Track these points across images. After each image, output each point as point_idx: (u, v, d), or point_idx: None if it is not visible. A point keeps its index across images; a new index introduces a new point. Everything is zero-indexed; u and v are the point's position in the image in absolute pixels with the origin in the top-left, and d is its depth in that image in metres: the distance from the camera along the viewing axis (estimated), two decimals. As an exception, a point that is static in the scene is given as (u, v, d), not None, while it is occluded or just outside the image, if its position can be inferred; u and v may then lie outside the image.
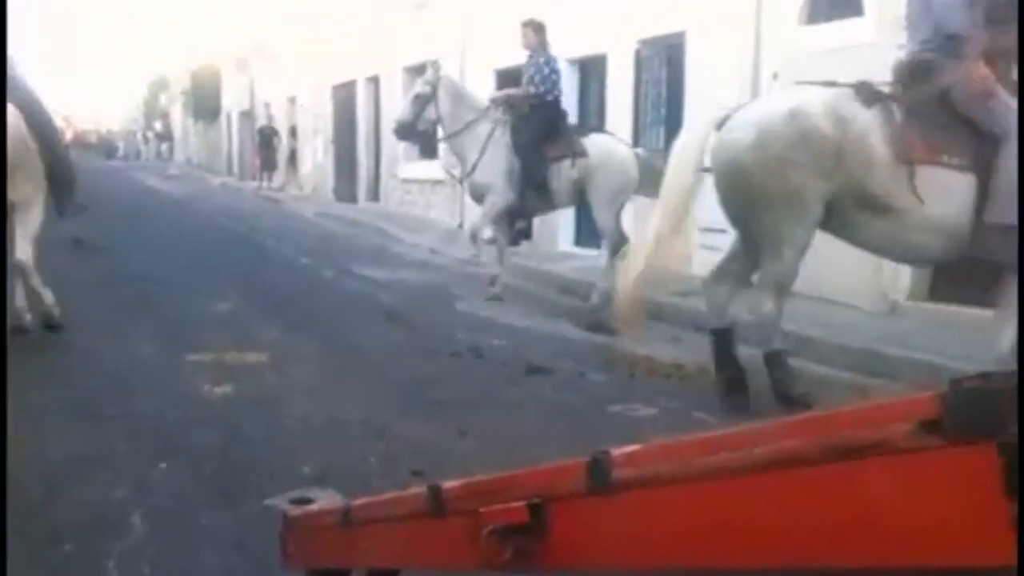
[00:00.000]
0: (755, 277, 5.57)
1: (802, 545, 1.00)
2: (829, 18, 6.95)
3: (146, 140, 56.89)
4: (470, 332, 7.55)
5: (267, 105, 29.91)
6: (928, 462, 0.88)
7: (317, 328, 7.68)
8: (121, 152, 56.04)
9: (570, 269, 10.83)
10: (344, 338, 7.34)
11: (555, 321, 8.28)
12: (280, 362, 6.44)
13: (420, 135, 10.38)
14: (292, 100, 27.99)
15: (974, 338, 6.91)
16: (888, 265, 7.98)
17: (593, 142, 9.29)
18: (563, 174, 9.14)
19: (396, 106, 19.33)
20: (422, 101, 9.48)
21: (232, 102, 36.38)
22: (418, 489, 1.93)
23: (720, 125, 5.33)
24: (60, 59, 58.25)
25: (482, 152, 9.30)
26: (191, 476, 4.29)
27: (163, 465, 4.40)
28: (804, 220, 5.10)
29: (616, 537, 1.31)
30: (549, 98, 9.46)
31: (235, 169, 35.67)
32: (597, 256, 11.86)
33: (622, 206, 9.24)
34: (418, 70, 18.36)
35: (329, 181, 24.07)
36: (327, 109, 24.17)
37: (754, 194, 5.11)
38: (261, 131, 28.81)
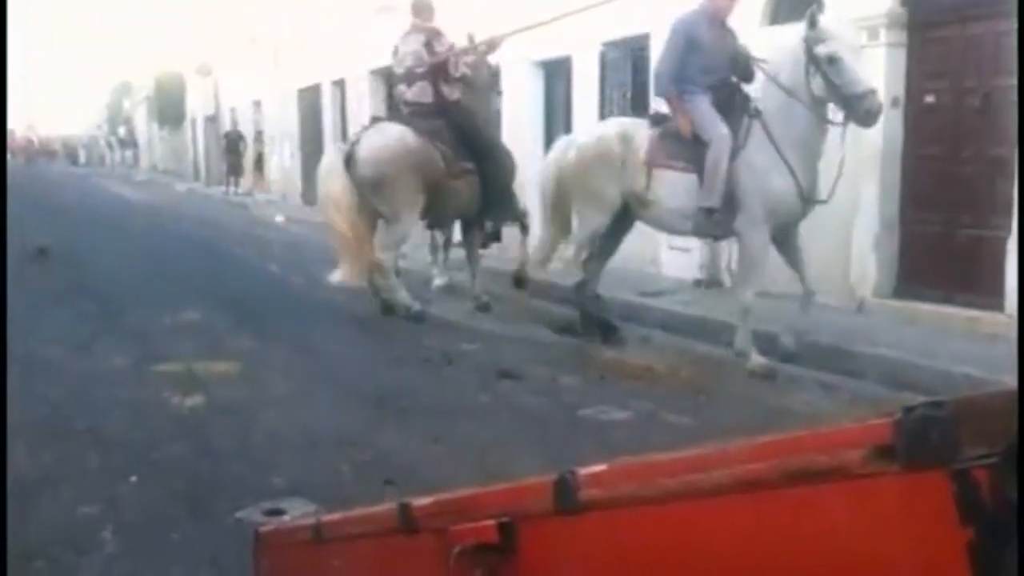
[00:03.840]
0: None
1: (761, 568, 1.02)
2: (791, 19, 7.01)
3: (111, 147, 56.36)
4: (440, 338, 7.55)
5: (232, 110, 29.75)
6: (882, 487, 0.89)
7: (287, 336, 7.65)
8: (84, 159, 55.49)
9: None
10: (314, 346, 7.31)
11: (525, 325, 8.29)
12: (250, 371, 6.41)
13: None
14: (257, 104, 27.84)
15: (938, 334, 7.02)
16: (855, 263, 8.07)
17: None
18: None
19: (362, 109, 19.35)
20: None
21: (197, 107, 36.13)
22: (388, 505, 1.94)
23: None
24: (21, 65, 57.62)
25: None
26: (162, 490, 4.26)
27: (133, 479, 4.37)
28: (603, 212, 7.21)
29: (583, 557, 1.32)
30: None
31: (201, 175, 35.42)
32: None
33: None
34: (383, 73, 18.36)
35: (297, 185, 23.96)
36: (293, 113, 24.06)
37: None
38: (227, 136, 28.66)
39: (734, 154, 6.54)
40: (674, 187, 6.75)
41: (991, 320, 7.06)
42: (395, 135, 8.20)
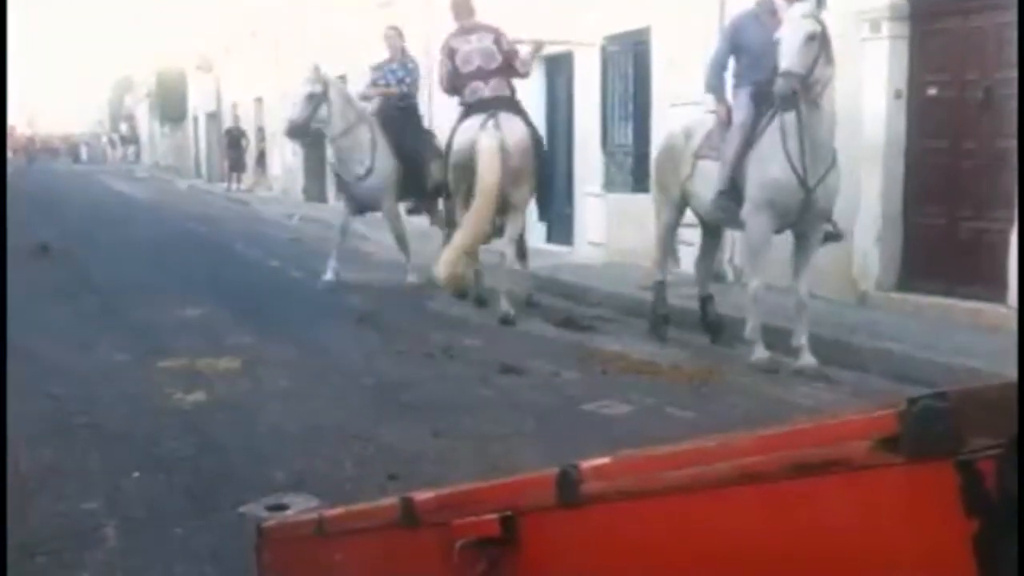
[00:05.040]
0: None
1: (764, 560, 1.01)
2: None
3: (112, 144, 56.33)
4: (442, 332, 7.54)
5: (234, 106, 29.74)
6: (886, 479, 0.89)
7: (289, 332, 7.64)
8: (85, 156, 55.47)
9: (541, 267, 10.81)
10: (316, 341, 7.31)
11: (527, 319, 8.28)
12: (252, 367, 6.40)
13: (311, 134, 10.90)
14: (259, 100, 27.81)
15: (941, 327, 7.01)
16: (858, 256, 8.06)
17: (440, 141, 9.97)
18: (433, 176, 9.84)
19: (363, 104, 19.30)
20: (315, 101, 9.77)
21: (198, 103, 36.11)
22: (391, 500, 1.94)
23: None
24: (23, 62, 57.64)
25: (373, 154, 9.81)
26: (164, 485, 4.27)
27: (136, 474, 4.37)
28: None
29: (586, 550, 1.32)
30: (413, 100, 10.24)
31: (203, 171, 35.41)
32: (568, 253, 11.89)
33: None
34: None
35: (299, 182, 23.94)
36: (295, 109, 24.00)
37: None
38: (229, 132, 28.66)
39: (750, 143, 6.59)
40: (710, 177, 6.91)
41: (994, 312, 7.04)
42: (523, 126, 8.44)
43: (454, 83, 8.64)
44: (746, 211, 6.61)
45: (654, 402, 5.58)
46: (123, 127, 53.39)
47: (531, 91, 13.25)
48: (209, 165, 34.54)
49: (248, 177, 27.94)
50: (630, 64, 11.46)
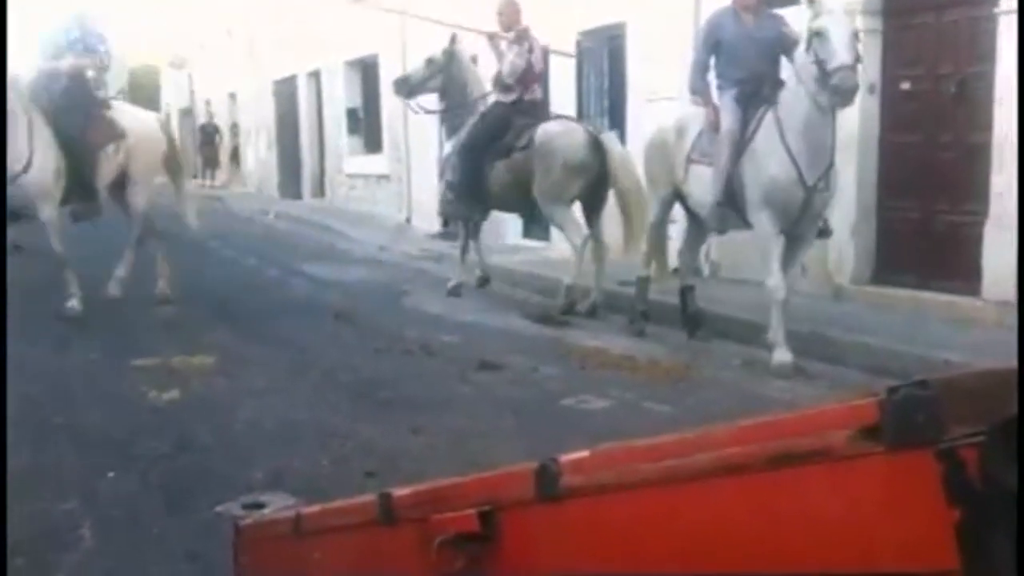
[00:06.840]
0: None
1: (745, 551, 1.01)
2: (770, 6, 7.03)
3: (85, 140, 55.81)
4: (420, 329, 7.52)
5: (207, 102, 29.58)
6: (868, 468, 0.88)
7: (265, 329, 7.60)
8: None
9: (519, 262, 10.82)
10: (293, 339, 7.27)
11: (505, 315, 8.27)
12: (228, 365, 6.36)
13: None
14: (232, 96, 27.67)
15: (916, 320, 7.05)
16: (833, 249, 8.10)
17: (125, 117, 8.35)
18: (109, 162, 8.05)
19: (338, 100, 19.25)
20: None
21: (171, 100, 35.85)
22: (368, 497, 1.92)
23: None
24: (-7, 60, 56.92)
25: (31, 145, 7.40)
26: (140, 485, 4.23)
27: (111, 474, 4.34)
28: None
29: (566, 544, 1.31)
30: (90, 72, 8.11)
31: (177, 168, 35.12)
32: (545, 248, 11.88)
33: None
34: (359, 64, 18.28)
35: (273, 178, 23.84)
36: (269, 105, 23.93)
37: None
38: (202, 129, 28.50)
39: (743, 146, 6.48)
40: (703, 182, 6.82)
41: (968, 305, 7.09)
42: None
43: (527, 78, 8.73)
44: (750, 212, 6.47)
45: (632, 397, 5.59)
46: (96, 125, 52.92)
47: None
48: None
49: (222, 173, 27.80)
50: (605, 59, 11.45)
